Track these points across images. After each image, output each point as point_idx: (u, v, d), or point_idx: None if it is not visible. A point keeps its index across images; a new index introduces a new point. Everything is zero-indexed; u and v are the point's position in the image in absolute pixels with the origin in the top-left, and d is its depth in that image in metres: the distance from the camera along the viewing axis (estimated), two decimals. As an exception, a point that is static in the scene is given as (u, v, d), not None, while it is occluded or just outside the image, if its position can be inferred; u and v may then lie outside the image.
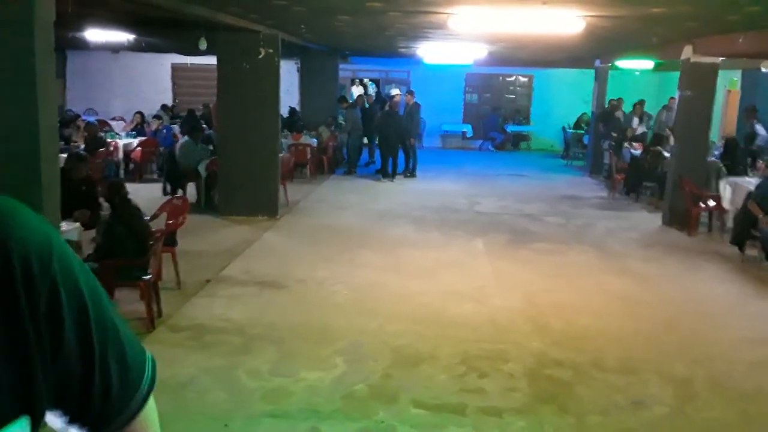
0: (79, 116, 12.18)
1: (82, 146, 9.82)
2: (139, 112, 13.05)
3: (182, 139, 9.85)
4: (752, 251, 7.25)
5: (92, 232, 5.40)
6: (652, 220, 9.37)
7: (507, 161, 15.73)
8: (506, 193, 11.22)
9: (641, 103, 14.15)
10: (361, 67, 18.17)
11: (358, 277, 6.34)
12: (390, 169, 12.37)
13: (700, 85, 8.65)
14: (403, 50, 12.67)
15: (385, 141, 12.43)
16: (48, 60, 3.51)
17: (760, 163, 9.50)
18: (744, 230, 7.12)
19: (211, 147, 9.73)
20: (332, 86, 14.85)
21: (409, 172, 12.73)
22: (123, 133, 11.97)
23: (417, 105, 13.78)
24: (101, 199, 5.74)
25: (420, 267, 6.76)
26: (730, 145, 9.77)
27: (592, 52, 12.21)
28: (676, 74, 9.36)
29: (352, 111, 13.63)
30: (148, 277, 4.90)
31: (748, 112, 11.08)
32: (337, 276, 6.32)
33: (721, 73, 8.97)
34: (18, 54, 3.39)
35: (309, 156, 12.03)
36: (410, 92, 14.11)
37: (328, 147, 12.92)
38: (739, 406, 4.06)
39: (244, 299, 5.66)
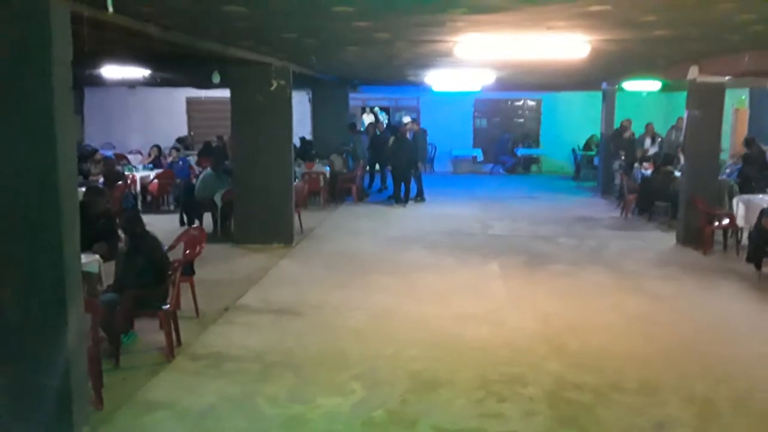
0: (96, 151, 12.40)
1: (101, 180, 9.99)
2: (156, 146, 13.28)
3: (204, 172, 10.02)
4: (769, 268, 7.20)
5: (112, 264, 5.48)
6: (666, 239, 9.33)
7: (518, 184, 15.77)
8: (519, 216, 11.23)
9: (651, 124, 14.20)
10: (371, 96, 18.41)
11: (373, 302, 6.36)
12: (402, 195, 12.49)
13: (707, 105, 8.69)
14: (411, 78, 12.85)
15: (396, 167, 12.57)
16: (66, 97, 3.62)
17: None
18: (759, 248, 7.08)
19: (229, 179, 9.87)
20: (343, 115, 15.06)
21: (420, 197, 12.85)
22: (140, 166, 12.18)
23: (423, 131, 13.98)
24: (120, 231, 5.83)
25: (435, 291, 6.77)
26: (747, 161, 9.80)
27: (599, 75, 12.29)
28: (684, 94, 9.41)
29: (358, 138, 13.81)
30: (167, 306, 4.96)
31: (749, 145, 11.09)
32: (353, 302, 6.35)
33: (728, 92, 9.01)
34: (37, 92, 3.50)
35: (322, 184, 12.17)
36: (414, 120, 14.37)
37: (356, 176, 13.04)
38: (763, 425, 4.01)
39: (261, 327, 5.70)
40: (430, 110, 17.83)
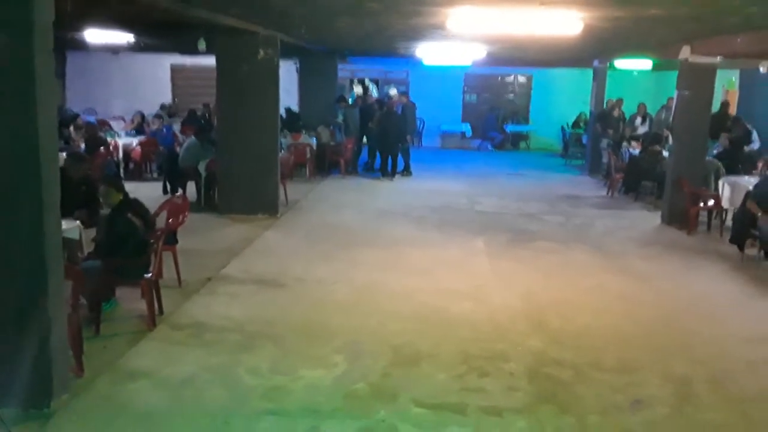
0: (78, 116, 12.16)
1: (83, 146, 9.82)
2: (140, 112, 13.05)
3: (189, 140, 9.87)
4: (752, 250, 7.27)
5: (93, 232, 5.40)
6: (651, 219, 9.39)
7: (506, 161, 15.75)
8: (506, 193, 11.24)
9: (644, 104, 14.19)
10: (360, 68, 18.18)
11: (357, 275, 6.35)
12: (389, 169, 12.42)
13: (698, 85, 8.67)
14: (402, 51, 12.68)
15: (384, 140, 12.47)
16: (47, 60, 3.52)
17: (760, 164, 9.54)
18: (743, 229, 7.14)
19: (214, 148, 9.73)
20: (331, 87, 14.86)
21: (407, 171, 12.80)
22: (123, 133, 11.98)
23: (412, 105, 13.85)
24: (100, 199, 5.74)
25: (420, 266, 6.77)
26: (734, 143, 9.86)
27: (591, 53, 12.22)
28: (675, 74, 9.39)
29: (351, 111, 13.66)
30: (150, 275, 4.91)
31: (734, 123, 11.17)
32: (337, 274, 6.34)
33: (719, 72, 8.99)
34: (17, 54, 3.40)
35: (308, 156, 12.07)
36: (402, 93, 14.22)
37: (347, 148, 12.90)
38: (739, 406, 4.07)
39: (244, 297, 5.67)
40: (420, 84, 17.67)
